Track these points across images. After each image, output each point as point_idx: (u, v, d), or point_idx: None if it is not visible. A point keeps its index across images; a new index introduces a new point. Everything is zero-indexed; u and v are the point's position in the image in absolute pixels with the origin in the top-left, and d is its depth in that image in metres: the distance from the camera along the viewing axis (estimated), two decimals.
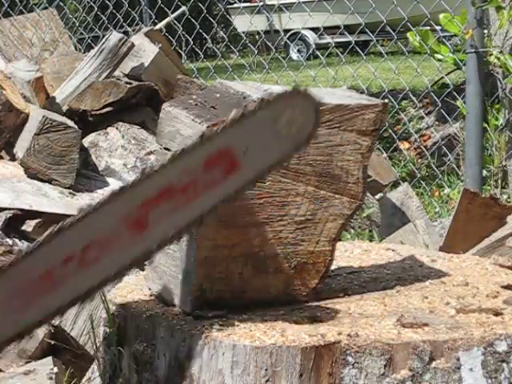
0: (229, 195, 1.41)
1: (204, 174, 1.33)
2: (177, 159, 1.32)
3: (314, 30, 10.71)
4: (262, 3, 8.75)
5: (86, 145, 2.97)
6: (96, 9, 6.20)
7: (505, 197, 4.00)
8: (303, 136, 1.45)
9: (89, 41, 6.41)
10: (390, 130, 4.99)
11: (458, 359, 1.66)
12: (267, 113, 1.41)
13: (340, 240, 1.99)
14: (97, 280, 1.32)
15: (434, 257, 2.29)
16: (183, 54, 6.05)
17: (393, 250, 2.34)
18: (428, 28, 4.32)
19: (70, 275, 1.28)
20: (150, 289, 2.00)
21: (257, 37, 8.00)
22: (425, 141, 5.82)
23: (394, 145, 5.16)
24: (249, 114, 1.40)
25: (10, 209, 2.57)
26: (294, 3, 6.19)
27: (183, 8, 5.95)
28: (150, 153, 2.90)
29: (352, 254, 2.33)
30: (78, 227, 1.26)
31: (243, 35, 6.34)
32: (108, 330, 1.97)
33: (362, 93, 2.95)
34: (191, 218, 1.38)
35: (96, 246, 1.27)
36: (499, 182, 4.08)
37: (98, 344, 2.00)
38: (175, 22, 5.81)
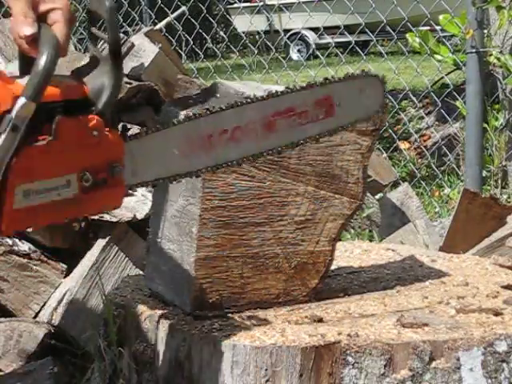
0: (325, 132, 1.77)
1: (313, 109, 1.73)
2: (300, 92, 1.72)
3: (314, 29, 10.71)
4: (261, 3, 8.76)
5: None
6: None
7: (505, 197, 4.01)
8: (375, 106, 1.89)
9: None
10: (390, 130, 4.99)
11: (458, 359, 1.66)
12: (356, 83, 1.83)
13: (340, 240, 1.99)
14: (235, 156, 1.65)
15: (434, 257, 2.29)
16: (183, 54, 6.05)
17: (393, 250, 2.34)
18: (428, 28, 4.32)
19: (221, 144, 1.62)
20: (150, 289, 2.00)
21: (257, 37, 8.01)
22: (425, 141, 5.82)
23: (394, 145, 5.16)
24: (348, 78, 1.81)
25: None
26: (294, 3, 6.19)
27: (183, 8, 5.95)
28: None
29: (352, 254, 2.33)
30: (232, 112, 1.64)
31: (243, 35, 6.34)
32: (108, 330, 1.97)
33: None
34: (300, 137, 1.74)
35: (242, 129, 1.65)
36: (499, 182, 4.08)
37: (98, 344, 2.00)
38: (175, 21, 5.81)
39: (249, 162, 1.69)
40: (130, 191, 1.58)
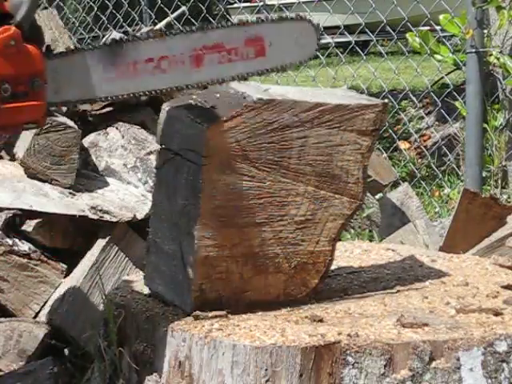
0: (254, 72, 1.79)
1: (244, 47, 1.75)
2: (230, 28, 1.74)
3: None
4: (261, 3, 8.75)
5: (86, 145, 2.96)
6: (96, 9, 6.20)
7: (505, 197, 4.00)
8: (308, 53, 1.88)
9: (89, 41, 6.40)
10: (390, 130, 4.99)
11: (458, 359, 1.66)
12: (290, 25, 1.83)
13: (340, 240, 2.00)
14: (159, 86, 1.69)
15: (434, 257, 2.29)
16: None
17: (393, 250, 2.34)
18: (428, 28, 4.31)
19: (146, 72, 1.66)
20: (150, 289, 2.00)
21: None
22: (425, 141, 5.81)
23: (394, 145, 5.16)
24: (282, 20, 1.83)
25: (10, 209, 2.57)
26: (294, 3, 6.19)
27: (183, 8, 5.94)
28: (150, 153, 2.89)
29: (352, 254, 2.33)
30: (160, 41, 1.66)
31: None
32: (108, 330, 1.97)
33: (362, 93, 2.95)
34: (228, 73, 1.76)
35: (169, 60, 1.67)
36: (499, 182, 4.08)
37: (98, 344, 2.00)
38: (175, 21, 5.81)
39: (175, 92, 1.72)
40: (53, 109, 1.65)
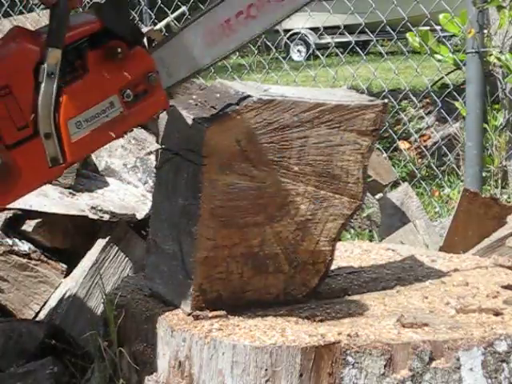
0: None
1: None
2: None
3: (314, 29, 10.70)
4: None
5: None
6: None
7: (505, 197, 4.00)
8: None
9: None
10: (390, 130, 4.98)
11: (458, 359, 1.66)
12: None
13: (340, 240, 1.99)
14: (256, 31, 1.78)
15: (434, 257, 2.29)
16: None
17: (393, 250, 2.34)
18: (428, 28, 4.31)
19: (240, 24, 1.75)
20: (150, 289, 2.00)
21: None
22: (425, 141, 5.81)
23: (394, 145, 5.15)
24: None
25: (10, 209, 2.57)
26: None
27: (183, 8, 5.94)
28: (150, 153, 2.90)
29: (352, 253, 2.33)
30: None
31: None
32: (108, 330, 1.97)
33: (362, 93, 2.95)
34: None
35: (255, 5, 1.75)
36: (499, 182, 4.08)
37: (98, 344, 2.00)
38: (175, 21, 5.81)
39: (269, 32, 1.80)
40: (171, 91, 1.76)
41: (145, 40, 1.73)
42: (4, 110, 1.60)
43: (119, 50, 1.65)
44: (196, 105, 1.88)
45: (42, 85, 1.60)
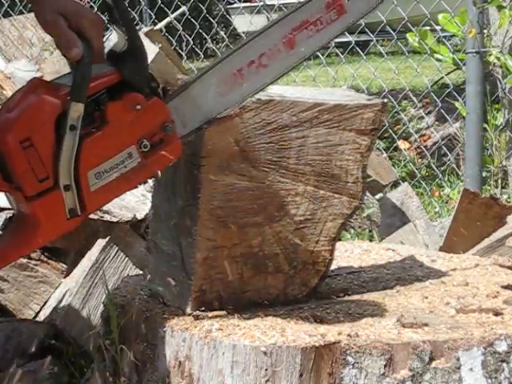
0: (340, 31, 1.86)
1: (326, 14, 1.83)
2: (310, 2, 1.83)
3: None
4: (261, 3, 8.75)
5: None
6: (96, 9, 6.19)
7: (505, 197, 4.00)
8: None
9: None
10: (390, 130, 4.98)
11: (458, 359, 1.66)
12: None
13: (340, 240, 2.00)
14: (267, 80, 1.80)
15: (434, 257, 2.29)
16: (183, 54, 6.05)
17: (393, 250, 2.34)
18: (428, 28, 4.31)
19: (252, 73, 1.78)
20: (150, 289, 2.00)
21: None
22: (425, 141, 5.81)
23: (394, 145, 5.15)
24: None
25: (10, 209, 2.57)
26: (294, 3, 6.17)
27: (183, 8, 5.94)
28: None
29: (352, 254, 2.33)
30: (253, 43, 1.79)
31: (243, 35, 6.33)
32: (108, 330, 1.97)
33: (362, 93, 2.95)
34: (320, 43, 1.84)
35: (267, 55, 1.79)
36: (499, 182, 4.08)
37: (98, 344, 2.00)
38: (175, 21, 5.81)
39: (279, 79, 1.82)
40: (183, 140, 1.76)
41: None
42: (26, 162, 1.61)
43: (138, 101, 1.67)
44: None
45: (65, 138, 1.62)
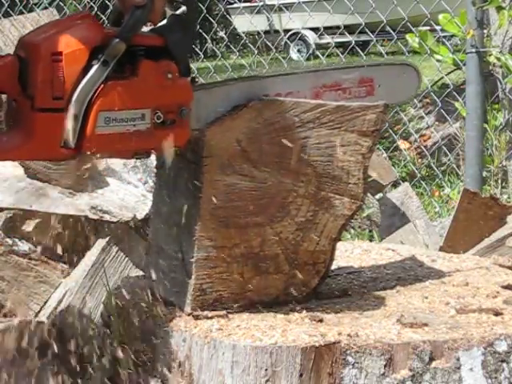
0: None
1: (356, 87, 1.94)
2: (347, 70, 1.94)
3: (314, 29, 10.70)
4: (261, 3, 8.75)
5: None
6: (96, 9, 6.20)
7: (505, 197, 4.00)
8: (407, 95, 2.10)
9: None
10: (390, 130, 4.99)
11: (458, 359, 1.67)
12: (397, 69, 2.04)
13: (340, 240, 1.99)
14: None
15: (434, 257, 2.29)
16: None
17: (393, 250, 2.34)
18: (428, 28, 4.31)
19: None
20: (150, 289, 2.00)
21: (257, 37, 8.00)
22: (425, 141, 5.82)
23: (394, 145, 5.16)
24: (391, 64, 2.06)
25: (10, 209, 2.57)
26: (294, 3, 6.18)
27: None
28: None
29: (352, 254, 2.33)
30: (282, 79, 1.89)
31: (243, 35, 6.33)
32: (108, 330, 1.97)
33: None
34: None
35: (293, 95, 1.89)
36: (499, 182, 4.08)
37: (98, 344, 2.00)
38: None
39: None
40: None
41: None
42: (49, 73, 1.62)
43: (171, 70, 1.70)
44: None
45: (94, 68, 1.63)
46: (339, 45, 7.72)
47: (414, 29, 4.19)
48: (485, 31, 3.93)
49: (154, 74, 1.69)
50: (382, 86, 1.97)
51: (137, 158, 1.78)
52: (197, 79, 1.80)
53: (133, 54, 1.68)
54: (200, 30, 5.67)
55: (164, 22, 1.76)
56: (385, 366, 1.65)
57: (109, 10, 6.07)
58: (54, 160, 1.72)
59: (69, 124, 1.64)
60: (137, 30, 1.67)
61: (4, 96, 1.71)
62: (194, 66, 5.90)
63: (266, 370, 1.66)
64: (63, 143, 1.65)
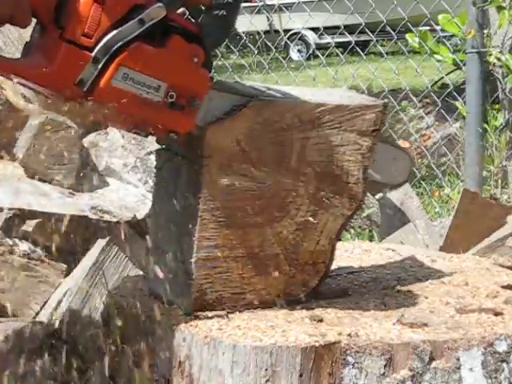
0: None
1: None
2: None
3: (314, 29, 10.71)
4: (262, 3, 8.75)
5: (86, 145, 2.97)
6: None
7: (505, 197, 4.01)
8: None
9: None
10: (390, 130, 4.99)
11: (458, 359, 1.67)
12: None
13: (340, 240, 1.99)
14: None
15: (434, 257, 2.29)
16: None
17: (393, 250, 2.34)
18: (428, 28, 4.32)
19: None
20: (150, 289, 2.00)
21: (257, 37, 8.01)
22: (425, 141, 5.81)
23: None
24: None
25: (10, 209, 2.57)
26: (294, 3, 6.19)
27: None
28: (150, 153, 2.90)
29: (352, 254, 2.33)
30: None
31: (243, 35, 6.33)
32: (108, 330, 1.97)
33: (362, 93, 2.95)
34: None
35: None
36: (499, 181, 4.08)
37: (98, 344, 2.00)
38: None
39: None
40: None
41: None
42: (88, 9, 1.64)
43: (199, 55, 1.73)
44: None
45: (130, 22, 1.66)
46: (339, 45, 7.72)
47: (413, 29, 4.19)
48: (485, 31, 3.93)
49: (181, 51, 1.72)
50: None
51: (135, 133, 1.79)
52: (214, 79, 1.83)
53: (168, 28, 1.72)
54: None
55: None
56: (385, 365, 1.65)
57: None
58: (62, 95, 1.70)
59: (90, 64, 1.66)
60: (180, 2, 1.75)
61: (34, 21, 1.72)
62: None
63: (266, 369, 1.66)
64: (78, 81, 1.67)
